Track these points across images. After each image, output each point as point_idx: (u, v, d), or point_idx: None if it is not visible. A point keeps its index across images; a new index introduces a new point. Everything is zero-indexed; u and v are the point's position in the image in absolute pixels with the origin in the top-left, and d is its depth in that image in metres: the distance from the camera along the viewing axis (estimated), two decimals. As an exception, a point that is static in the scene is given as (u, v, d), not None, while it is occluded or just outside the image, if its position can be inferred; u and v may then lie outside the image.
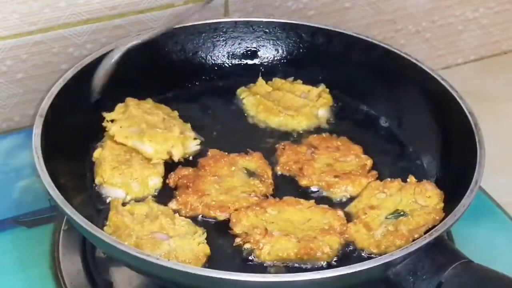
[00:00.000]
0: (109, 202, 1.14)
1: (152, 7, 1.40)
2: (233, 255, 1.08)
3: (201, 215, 1.13)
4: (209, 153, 1.22)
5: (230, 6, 1.45)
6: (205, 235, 1.09)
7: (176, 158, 1.21)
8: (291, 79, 1.38)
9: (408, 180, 1.18)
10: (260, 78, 1.37)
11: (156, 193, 1.18)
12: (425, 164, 1.25)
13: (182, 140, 1.22)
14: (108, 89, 1.26)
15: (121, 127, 1.22)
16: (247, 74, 1.38)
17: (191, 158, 1.23)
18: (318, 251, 1.07)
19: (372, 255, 1.08)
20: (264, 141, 1.28)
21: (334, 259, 1.08)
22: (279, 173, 1.22)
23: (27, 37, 1.34)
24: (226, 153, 1.22)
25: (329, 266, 1.07)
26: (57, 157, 1.13)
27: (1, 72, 1.35)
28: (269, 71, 1.39)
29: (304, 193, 1.18)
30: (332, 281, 0.97)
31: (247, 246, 1.08)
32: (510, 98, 1.58)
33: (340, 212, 1.14)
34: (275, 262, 1.07)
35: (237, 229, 1.10)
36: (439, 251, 1.01)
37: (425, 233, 1.05)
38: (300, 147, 1.25)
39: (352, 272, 0.96)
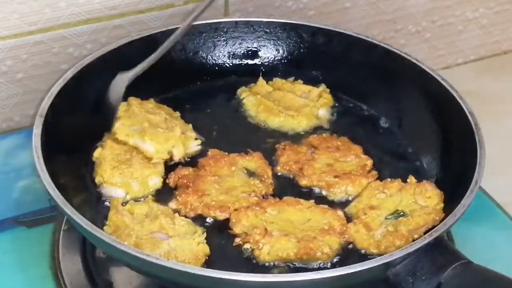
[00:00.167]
0: (109, 201, 1.14)
1: (152, 7, 1.40)
2: (233, 255, 1.09)
3: (201, 215, 1.14)
4: (209, 153, 1.22)
5: (230, 6, 1.45)
6: (204, 235, 1.09)
7: (177, 158, 1.22)
8: (291, 79, 1.38)
9: (408, 180, 1.18)
10: (260, 78, 1.37)
11: (156, 193, 1.18)
12: (425, 164, 1.25)
13: (183, 140, 1.23)
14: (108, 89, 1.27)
15: (123, 124, 1.22)
16: (248, 74, 1.38)
17: (190, 158, 1.23)
18: (317, 251, 1.07)
19: (372, 256, 1.08)
20: (264, 141, 1.28)
21: (334, 259, 1.08)
22: (279, 173, 1.22)
23: (27, 37, 1.34)
24: (226, 153, 1.22)
25: (329, 266, 1.07)
26: (57, 157, 1.14)
27: (1, 72, 1.35)
28: (270, 71, 1.39)
29: (304, 193, 1.18)
30: (332, 281, 0.97)
31: (246, 246, 1.08)
32: (510, 98, 1.58)
33: (340, 212, 1.14)
34: (274, 262, 1.07)
35: (237, 229, 1.10)
36: (439, 251, 1.01)
37: (425, 233, 1.05)
38: (300, 147, 1.25)
39: (352, 272, 0.97)
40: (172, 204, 1.15)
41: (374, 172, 1.21)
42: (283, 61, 1.40)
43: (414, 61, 1.30)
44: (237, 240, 1.09)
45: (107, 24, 1.39)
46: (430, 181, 1.19)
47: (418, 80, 1.29)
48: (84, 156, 1.21)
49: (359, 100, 1.36)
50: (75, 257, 1.19)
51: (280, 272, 1.06)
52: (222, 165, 1.20)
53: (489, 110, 1.48)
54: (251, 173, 1.19)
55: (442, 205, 1.13)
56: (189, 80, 1.37)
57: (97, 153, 1.20)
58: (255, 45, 1.40)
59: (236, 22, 1.38)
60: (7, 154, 1.36)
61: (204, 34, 1.37)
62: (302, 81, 1.37)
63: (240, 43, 1.39)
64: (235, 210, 1.13)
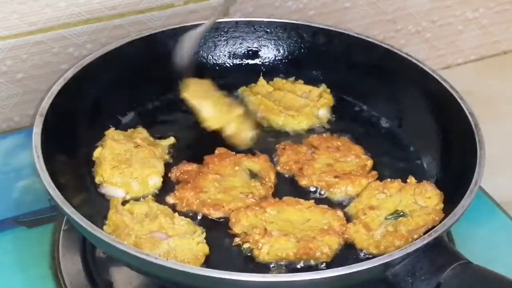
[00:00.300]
0: (109, 201, 1.14)
1: (152, 7, 1.40)
2: (232, 255, 1.09)
3: (198, 212, 1.14)
4: (216, 151, 1.23)
5: (230, 6, 1.45)
6: (204, 234, 1.09)
7: (227, 132, 1.23)
8: (292, 79, 1.38)
9: (408, 180, 1.18)
10: (261, 78, 1.37)
11: (156, 193, 1.18)
12: (425, 164, 1.25)
13: (241, 122, 1.24)
14: (108, 90, 1.27)
15: (193, 84, 1.24)
16: (248, 74, 1.38)
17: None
18: (317, 251, 1.07)
19: (372, 256, 1.08)
20: (264, 140, 1.28)
21: (334, 260, 1.08)
22: (279, 173, 1.22)
23: (27, 37, 1.34)
24: (234, 153, 1.22)
25: (329, 266, 1.07)
26: (57, 156, 1.14)
27: (1, 72, 1.35)
28: (270, 71, 1.39)
29: (303, 193, 1.18)
30: (332, 281, 0.97)
31: (246, 245, 1.08)
32: (510, 98, 1.58)
33: (339, 212, 1.14)
34: (274, 262, 1.07)
35: (236, 229, 1.10)
36: (438, 251, 1.01)
37: (424, 233, 1.05)
38: (300, 147, 1.25)
39: (351, 272, 0.96)
40: (170, 198, 1.15)
41: (374, 172, 1.21)
42: (283, 61, 1.40)
43: (414, 61, 1.30)
44: (237, 240, 1.10)
45: (107, 24, 1.39)
46: (430, 181, 1.19)
47: (418, 80, 1.29)
48: (84, 156, 1.21)
49: (360, 100, 1.36)
50: (75, 257, 1.19)
51: (279, 272, 1.06)
52: (227, 164, 1.20)
53: (489, 110, 1.48)
54: (253, 175, 1.19)
55: (442, 205, 1.13)
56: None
57: (97, 153, 1.20)
58: (255, 45, 1.40)
59: (237, 22, 1.38)
60: (7, 154, 1.36)
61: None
62: (302, 81, 1.37)
63: (240, 43, 1.39)
64: (230, 210, 1.13)
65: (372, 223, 1.11)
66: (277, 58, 1.40)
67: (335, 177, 1.19)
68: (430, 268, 0.99)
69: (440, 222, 1.07)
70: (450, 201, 1.10)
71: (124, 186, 1.16)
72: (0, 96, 1.38)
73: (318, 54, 1.37)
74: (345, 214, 1.14)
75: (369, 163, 1.22)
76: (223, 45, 1.39)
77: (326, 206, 1.15)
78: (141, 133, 1.25)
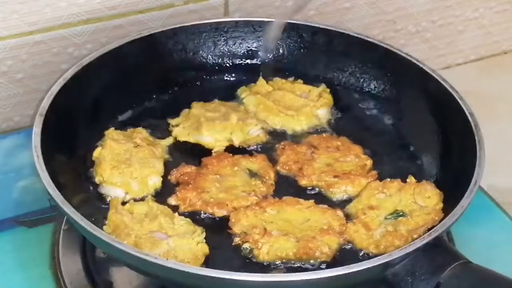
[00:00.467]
0: (109, 201, 1.14)
1: (152, 7, 1.40)
2: (232, 255, 1.08)
3: (200, 212, 1.14)
4: (213, 152, 1.23)
5: (230, 6, 1.45)
6: (204, 234, 1.09)
7: (237, 143, 1.24)
8: (291, 78, 1.38)
9: (407, 180, 1.18)
10: (260, 78, 1.37)
11: (155, 193, 1.18)
12: (424, 164, 1.25)
13: (241, 127, 1.25)
14: (108, 90, 1.27)
15: (183, 127, 1.25)
16: (248, 73, 1.38)
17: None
18: (317, 251, 1.07)
19: (371, 255, 1.08)
20: (264, 140, 1.28)
21: (333, 259, 1.08)
22: (279, 172, 1.22)
23: (27, 37, 1.34)
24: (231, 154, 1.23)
25: (328, 266, 1.07)
26: (57, 156, 1.14)
27: (1, 72, 1.35)
28: (270, 71, 1.39)
29: (303, 193, 1.18)
30: (331, 281, 0.97)
31: (246, 245, 1.08)
32: (510, 98, 1.58)
33: (339, 212, 1.14)
34: (274, 261, 1.07)
35: (236, 229, 1.10)
36: (438, 251, 1.01)
37: (424, 233, 1.05)
38: (300, 147, 1.25)
39: (351, 272, 0.96)
40: (171, 200, 1.15)
41: (374, 172, 1.21)
42: (283, 60, 1.40)
43: (414, 61, 1.30)
44: (237, 240, 1.09)
45: (107, 24, 1.39)
46: (430, 181, 1.19)
47: (418, 80, 1.29)
48: (84, 155, 1.21)
49: (359, 100, 1.36)
50: (75, 257, 1.19)
51: (278, 272, 1.06)
52: (225, 164, 1.20)
53: (489, 110, 1.48)
54: (253, 174, 1.19)
55: (441, 205, 1.13)
56: (189, 80, 1.37)
57: (96, 153, 1.20)
58: (255, 45, 1.40)
59: (237, 22, 1.38)
60: (7, 154, 1.36)
61: (204, 34, 1.37)
62: (302, 81, 1.37)
63: (240, 43, 1.39)
64: (233, 208, 1.13)
65: (371, 223, 1.11)
66: (276, 58, 1.39)
67: (335, 177, 1.19)
68: (430, 268, 0.99)
69: (440, 222, 1.07)
70: (450, 201, 1.10)
71: (123, 186, 1.16)
72: (0, 96, 1.38)
73: (317, 54, 1.37)
74: (345, 214, 1.14)
75: (369, 162, 1.22)
76: (223, 45, 1.39)
77: (325, 206, 1.15)
78: (141, 133, 1.25)
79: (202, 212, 1.14)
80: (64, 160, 1.16)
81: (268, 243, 1.07)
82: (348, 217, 1.14)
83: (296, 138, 1.28)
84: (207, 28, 1.37)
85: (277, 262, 1.07)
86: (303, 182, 1.19)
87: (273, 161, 1.23)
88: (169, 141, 1.25)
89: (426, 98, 1.28)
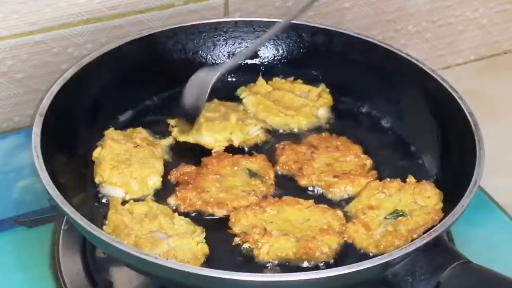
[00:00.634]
0: (109, 201, 1.14)
1: (152, 7, 1.40)
2: (232, 255, 1.09)
3: (200, 213, 1.14)
4: (213, 153, 1.23)
5: (230, 6, 1.45)
6: (204, 234, 1.09)
7: (236, 143, 1.24)
8: (291, 79, 1.38)
9: (407, 180, 1.18)
10: (260, 78, 1.37)
11: (155, 193, 1.18)
12: (424, 164, 1.25)
13: (241, 127, 1.25)
14: (108, 90, 1.27)
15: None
16: (248, 73, 1.38)
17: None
18: (317, 251, 1.07)
19: (371, 255, 1.08)
20: (264, 141, 1.28)
21: (333, 259, 1.08)
22: (279, 172, 1.22)
23: (27, 37, 1.34)
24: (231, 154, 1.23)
25: (328, 266, 1.07)
26: (57, 156, 1.14)
27: (1, 72, 1.35)
28: (269, 71, 1.39)
29: (303, 193, 1.18)
30: (331, 281, 0.97)
31: (246, 245, 1.08)
32: (510, 98, 1.58)
33: (339, 212, 1.14)
34: (274, 261, 1.07)
35: (236, 229, 1.10)
36: (438, 251, 1.01)
37: (424, 233, 1.05)
38: (300, 147, 1.25)
39: (351, 272, 0.96)
40: (171, 200, 1.15)
41: (374, 172, 1.21)
42: (283, 60, 1.40)
43: (414, 61, 1.30)
44: (237, 240, 1.10)
45: (107, 24, 1.39)
46: (430, 181, 1.19)
47: (418, 80, 1.29)
48: (84, 155, 1.21)
49: (359, 100, 1.36)
50: (75, 257, 1.19)
51: (278, 272, 1.06)
52: (225, 165, 1.20)
53: (489, 110, 1.48)
54: (253, 174, 1.20)
55: (441, 205, 1.13)
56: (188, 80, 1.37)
57: (96, 153, 1.20)
58: (255, 45, 1.40)
59: (236, 22, 1.38)
60: (7, 154, 1.36)
61: (204, 34, 1.37)
62: (301, 81, 1.37)
63: (240, 43, 1.39)
64: (233, 208, 1.13)
65: (371, 222, 1.11)
66: (276, 58, 1.39)
67: (335, 176, 1.19)
68: (430, 268, 0.99)
69: (440, 221, 1.07)
70: (450, 201, 1.10)
71: (123, 186, 1.16)
72: (0, 96, 1.38)
73: (317, 54, 1.37)
74: (345, 213, 1.14)
75: (369, 162, 1.22)
76: (222, 45, 1.39)
77: (325, 206, 1.15)
78: (141, 133, 1.25)
79: (202, 212, 1.14)
80: (64, 160, 1.16)
81: (268, 243, 1.07)
82: (348, 217, 1.14)
83: (296, 138, 1.28)
84: (207, 28, 1.37)
85: (277, 262, 1.07)
86: (303, 182, 1.19)
87: (273, 161, 1.23)
88: (169, 141, 1.25)
89: (426, 98, 1.28)
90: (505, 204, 1.33)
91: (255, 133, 1.27)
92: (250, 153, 1.24)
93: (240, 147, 1.25)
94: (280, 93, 1.35)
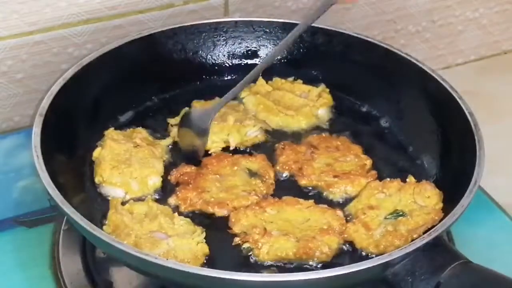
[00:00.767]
0: (109, 201, 1.14)
1: (152, 7, 1.40)
2: (232, 255, 1.09)
3: (200, 213, 1.14)
4: (213, 153, 1.23)
5: (230, 6, 1.45)
6: (204, 234, 1.09)
7: (233, 145, 1.24)
8: (291, 79, 1.38)
9: (407, 180, 1.18)
10: (260, 78, 1.36)
11: (155, 193, 1.18)
12: (424, 164, 1.25)
13: (238, 128, 1.25)
14: (108, 90, 1.27)
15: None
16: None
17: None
18: (317, 251, 1.07)
19: (371, 255, 1.08)
20: (264, 141, 1.28)
21: (333, 259, 1.08)
22: (279, 172, 1.22)
23: (27, 37, 1.34)
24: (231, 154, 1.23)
25: (328, 266, 1.07)
26: (57, 156, 1.14)
27: (1, 72, 1.35)
28: (269, 71, 1.39)
29: (303, 193, 1.18)
30: (331, 281, 0.97)
31: (246, 245, 1.08)
32: (510, 98, 1.58)
33: (339, 212, 1.14)
34: (273, 261, 1.07)
35: (236, 229, 1.11)
36: (438, 251, 1.01)
37: (424, 233, 1.05)
38: (300, 147, 1.25)
39: (351, 272, 0.96)
40: (172, 200, 1.15)
41: (374, 172, 1.21)
42: (282, 60, 1.40)
43: (414, 61, 1.30)
44: (236, 240, 1.10)
45: (107, 24, 1.39)
46: (430, 181, 1.19)
47: (418, 80, 1.29)
48: (84, 155, 1.21)
49: (359, 100, 1.36)
50: (75, 257, 1.19)
51: (278, 272, 1.06)
52: (225, 164, 1.20)
53: (489, 110, 1.48)
54: (253, 174, 1.20)
55: (441, 205, 1.13)
56: (188, 80, 1.37)
57: (96, 153, 1.20)
58: (254, 45, 1.40)
59: (236, 22, 1.38)
60: (7, 154, 1.36)
61: (204, 34, 1.37)
62: (301, 81, 1.37)
63: (239, 43, 1.39)
64: (234, 207, 1.13)
65: (371, 222, 1.11)
66: (276, 58, 1.39)
67: (335, 176, 1.19)
68: (430, 268, 0.99)
69: (440, 221, 1.07)
70: (450, 201, 1.10)
71: (123, 186, 1.16)
72: (0, 96, 1.38)
73: (317, 54, 1.37)
74: (345, 213, 1.15)
75: (368, 162, 1.22)
76: (222, 45, 1.39)
77: (325, 206, 1.15)
78: (141, 133, 1.25)
79: (202, 211, 1.14)
80: (64, 160, 1.16)
81: (268, 243, 1.07)
82: (348, 217, 1.14)
83: (296, 138, 1.28)
84: (207, 28, 1.37)
85: (277, 262, 1.07)
86: (303, 182, 1.19)
87: (272, 161, 1.23)
88: (169, 141, 1.25)
89: (426, 98, 1.28)
90: (505, 204, 1.33)
91: (253, 134, 1.27)
92: (250, 153, 1.24)
93: (238, 148, 1.25)
94: (280, 93, 1.35)
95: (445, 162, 1.22)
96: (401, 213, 1.12)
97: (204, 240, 1.08)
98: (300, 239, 1.08)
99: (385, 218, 1.12)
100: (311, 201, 1.15)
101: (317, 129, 1.30)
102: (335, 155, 1.23)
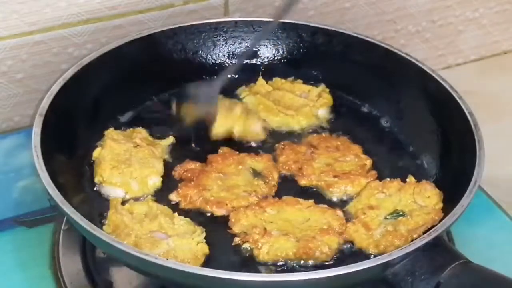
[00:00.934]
0: (109, 201, 1.14)
1: (152, 7, 1.40)
2: (232, 255, 1.09)
3: (201, 210, 1.14)
4: (220, 150, 1.23)
5: (230, 6, 1.45)
6: (204, 234, 1.09)
7: (236, 135, 1.25)
8: (291, 78, 1.38)
9: (407, 180, 1.18)
10: (260, 78, 1.37)
11: (155, 192, 1.18)
12: (424, 164, 1.25)
13: (244, 120, 1.25)
14: (108, 90, 1.27)
15: None
16: (247, 73, 1.38)
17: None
18: (317, 251, 1.07)
19: (371, 255, 1.08)
20: (263, 140, 1.28)
21: (333, 259, 1.08)
22: (279, 172, 1.22)
23: (27, 37, 1.34)
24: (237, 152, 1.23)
25: (328, 266, 1.07)
26: (57, 156, 1.14)
27: (1, 72, 1.35)
28: (269, 71, 1.39)
29: (303, 193, 1.18)
30: (331, 281, 0.97)
31: (246, 245, 1.08)
32: (510, 98, 1.58)
33: (339, 212, 1.14)
34: (273, 261, 1.07)
35: (236, 229, 1.10)
36: (438, 251, 1.01)
37: (424, 233, 1.05)
38: (300, 146, 1.25)
39: (351, 272, 0.96)
40: (173, 196, 1.16)
41: (374, 172, 1.21)
42: (282, 60, 1.40)
43: (414, 61, 1.30)
44: (236, 240, 1.10)
45: (107, 24, 1.39)
46: (430, 181, 1.19)
47: (418, 80, 1.29)
48: (84, 155, 1.21)
49: (359, 100, 1.36)
50: (75, 257, 1.19)
51: (278, 272, 1.06)
52: (230, 163, 1.20)
53: (489, 110, 1.48)
54: (257, 174, 1.20)
55: (441, 205, 1.13)
56: (188, 80, 1.36)
57: (96, 153, 1.20)
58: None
59: (236, 22, 1.38)
60: (7, 154, 1.36)
61: (204, 34, 1.37)
62: (301, 81, 1.37)
63: (239, 43, 1.39)
64: (233, 207, 1.13)
65: (371, 222, 1.11)
66: (276, 58, 1.40)
67: (335, 176, 1.19)
68: (430, 268, 0.99)
69: (440, 221, 1.07)
70: (450, 201, 1.10)
71: (123, 186, 1.16)
72: (0, 96, 1.38)
73: (317, 54, 1.37)
74: (345, 213, 1.14)
75: (368, 162, 1.22)
76: (222, 45, 1.39)
77: (325, 206, 1.15)
78: (141, 133, 1.25)
79: (202, 211, 1.14)
80: (64, 160, 1.16)
81: (268, 243, 1.07)
82: (348, 217, 1.14)
83: (296, 138, 1.28)
84: (207, 28, 1.37)
85: (277, 262, 1.07)
86: (302, 182, 1.19)
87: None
88: (169, 141, 1.25)
89: (426, 98, 1.28)
90: (505, 204, 1.33)
91: (257, 129, 1.27)
92: (256, 152, 1.23)
93: (240, 142, 1.25)
94: (280, 93, 1.35)
95: (445, 162, 1.22)
96: (401, 213, 1.12)
97: (204, 240, 1.08)
98: (300, 239, 1.08)
99: (385, 218, 1.12)
100: (311, 201, 1.15)
101: (317, 129, 1.30)
102: (335, 155, 1.23)
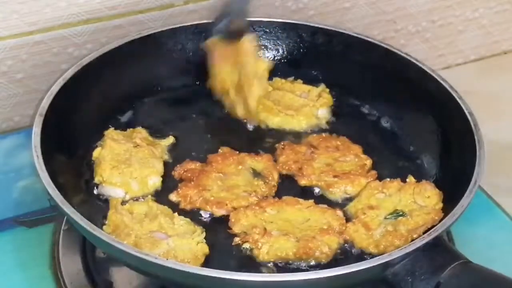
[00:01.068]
0: (109, 201, 1.14)
1: (152, 7, 1.40)
2: (232, 255, 1.09)
3: (200, 211, 1.14)
4: (220, 150, 1.23)
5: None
6: (204, 234, 1.09)
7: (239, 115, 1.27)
8: (291, 78, 1.38)
9: (407, 180, 1.18)
10: (260, 78, 1.37)
11: (155, 192, 1.18)
12: (424, 164, 1.25)
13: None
14: (108, 89, 1.27)
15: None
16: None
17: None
18: (316, 251, 1.07)
19: (371, 255, 1.08)
20: (264, 140, 1.28)
21: (333, 259, 1.08)
22: (278, 172, 1.22)
23: (27, 37, 1.34)
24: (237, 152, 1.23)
25: (328, 266, 1.07)
26: (57, 156, 1.14)
27: (1, 72, 1.35)
28: (269, 71, 1.39)
29: (303, 193, 1.18)
30: (331, 281, 0.97)
31: (246, 245, 1.08)
32: (510, 98, 1.58)
33: (339, 212, 1.14)
34: (274, 261, 1.07)
35: (236, 229, 1.10)
36: (438, 251, 1.01)
37: (424, 233, 1.05)
38: (300, 146, 1.25)
39: (351, 272, 0.96)
40: (173, 196, 1.16)
41: (373, 172, 1.21)
42: (282, 60, 1.40)
43: (414, 61, 1.30)
44: (236, 240, 1.10)
45: (107, 24, 1.39)
46: (430, 181, 1.19)
47: (418, 80, 1.29)
48: (84, 155, 1.21)
49: (359, 100, 1.36)
50: (75, 257, 1.19)
51: (278, 272, 1.06)
52: (230, 163, 1.20)
53: (489, 110, 1.48)
54: (257, 174, 1.19)
55: (441, 205, 1.13)
56: (188, 80, 1.37)
57: (96, 153, 1.20)
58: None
59: (236, 22, 1.38)
60: (7, 154, 1.36)
61: (204, 34, 1.37)
62: (301, 81, 1.37)
63: (240, 43, 1.39)
64: (233, 208, 1.13)
65: (371, 222, 1.11)
66: (276, 58, 1.39)
67: (335, 176, 1.19)
68: (430, 268, 0.99)
69: (440, 221, 1.07)
70: (450, 201, 1.10)
71: (123, 186, 1.16)
72: (0, 96, 1.38)
73: (317, 54, 1.37)
74: (345, 213, 1.14)
75: (368, 162, 1.22)
76: (223, 45, 1.39)
77: (325, 206, 1.15)
78: (141, 133, 1.25)
79: (202, 211, 1.14)
80: (64, 160, 1.16)
81: (268, 243, 1.07)
82: (347, 217, 1.14)
83: (296, 138, 1.28)
84: (207, 28, 1.37)
85: (277, 262, 1.07)
86: (302, 182, 1.19)
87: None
88: (169, 141, 1.25)
89: (426, 98, 1.28)
90: (505, 204, 1.33)
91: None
92: (257, 152, 1.23)
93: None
94: (280, 93, 1.35)
95: (445, 162, 1.22)
96: (401, 213, 1.12)
97: (204, 240, 1.08)
98: (300, 239, 1.08)
99: (385, 218, 1.12)
100: (311, 201, 1.15)
101: (317, 129, 1.30)
102: (335, 155, 1.23)
